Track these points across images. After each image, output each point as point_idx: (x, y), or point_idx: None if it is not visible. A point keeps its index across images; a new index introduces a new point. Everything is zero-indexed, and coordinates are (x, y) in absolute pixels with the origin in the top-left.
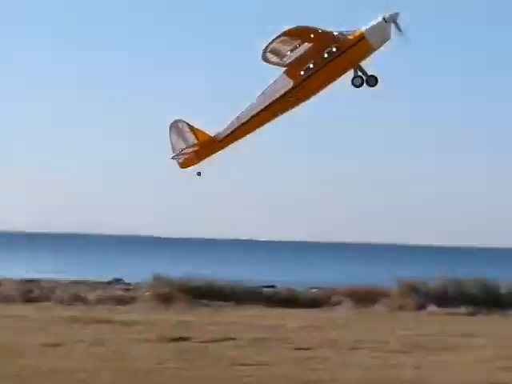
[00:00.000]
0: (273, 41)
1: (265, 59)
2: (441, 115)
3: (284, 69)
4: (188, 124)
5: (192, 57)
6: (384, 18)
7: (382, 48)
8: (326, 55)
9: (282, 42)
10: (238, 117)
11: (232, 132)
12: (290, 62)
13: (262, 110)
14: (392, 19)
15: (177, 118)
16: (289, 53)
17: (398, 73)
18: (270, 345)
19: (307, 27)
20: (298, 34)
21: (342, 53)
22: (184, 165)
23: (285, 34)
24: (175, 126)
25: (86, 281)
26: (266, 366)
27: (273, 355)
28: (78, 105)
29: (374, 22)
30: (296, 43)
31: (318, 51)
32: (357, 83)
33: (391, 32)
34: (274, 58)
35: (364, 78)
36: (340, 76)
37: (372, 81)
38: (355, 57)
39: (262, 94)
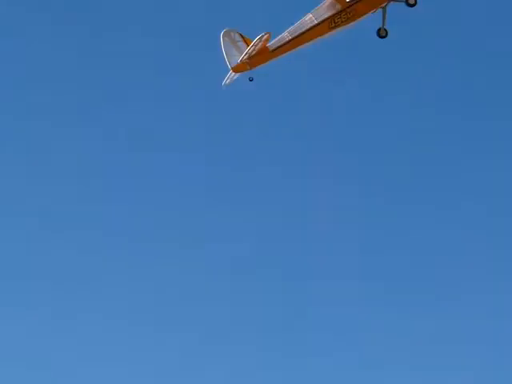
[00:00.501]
0: None
1: None
2: None
3: None
4: (239, 33)
5: None
6: None
7: None
8: None
9: None
10: (289, 31)
11: (283, 45)
12: None
13: (312, 27)
14: None
15: (227, 28)
16: None
17: None
18: None
19: None
20: None
21: None
22: (236, 69)
23: None
24: (227, 36)
25: None
26: None
27: None
28: None
29: None
30: None
31: None
32: (382, 34)
33: None
34: None
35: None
36: (377, 6)
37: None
38: None
39: (314, 12)
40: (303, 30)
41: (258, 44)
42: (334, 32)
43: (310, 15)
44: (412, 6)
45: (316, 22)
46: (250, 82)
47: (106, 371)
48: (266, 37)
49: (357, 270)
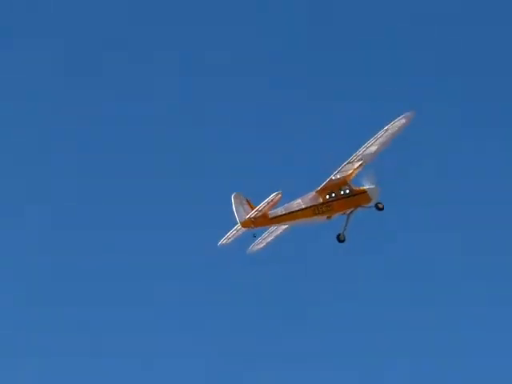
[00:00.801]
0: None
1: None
2: None
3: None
4: (246, 198)
5: None
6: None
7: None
8: (341, 192)
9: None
10: (283, 207)
11: (278, 217)
12: (321, 188)
13: (298, 210)
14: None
15: (237, 192)
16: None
17: None
18: None
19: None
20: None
21: (351, 195)
22: (243, 224)
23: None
24: (237, 198)
25: None
26: None
27: None
28: None
29: (373, 186)
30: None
31: (338, 188)
32: (341, 239)
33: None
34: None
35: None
36: (347, 208)
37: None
38: (358, 200)
39: (302, 198)
40: (293, 209)
41: (270, 202)
42: (318, 218)
43: (299, 200)
44: (381, 209)
45: (303, 206)
46: (253, 237)
47: None
48: (278, 197)
49: None
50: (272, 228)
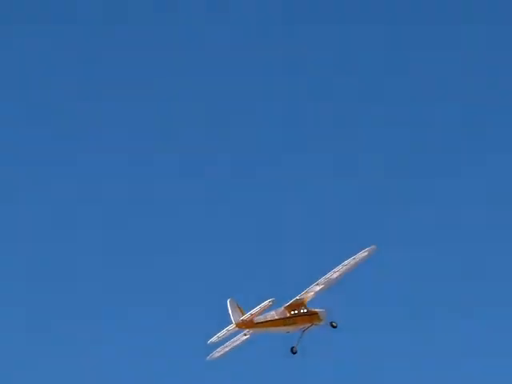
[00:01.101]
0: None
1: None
2: None
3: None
4: (238, 304)
5: None
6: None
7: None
8: (301, 310)
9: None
10: (263, 315)
11: (259, 323)
12: (288, 305)
13: (273, 320)
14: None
15: (231, 298)
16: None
17: None
18: None
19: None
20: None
21: (308, 314)
22: (238, 325)
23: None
24: (231, 303)
25: None
26: None
27: None
28: None
29: (322, 310)
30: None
31: (299, 306)
32: (293, 351)
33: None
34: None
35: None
36: (305, 324)
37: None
38: (312, 319)
39: (275, 311)
40: (269, 319)
41: (262, 307)
42: (285, 328)
43: (273, 312)
44: (335, 327)
45: (276, 317)
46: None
47: None
48: (269, 304)
49: None
50: (234, 338)
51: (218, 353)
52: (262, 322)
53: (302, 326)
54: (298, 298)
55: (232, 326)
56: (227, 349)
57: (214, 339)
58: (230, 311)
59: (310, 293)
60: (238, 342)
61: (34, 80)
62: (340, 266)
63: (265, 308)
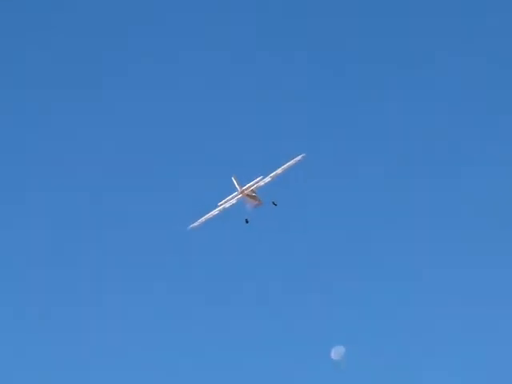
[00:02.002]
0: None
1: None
2: None
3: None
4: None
5: None
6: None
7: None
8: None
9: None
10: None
11: (248, 195)
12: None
13: (248, 195)
14: None
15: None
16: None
17: None
18: None
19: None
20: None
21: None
22: (241, 193)
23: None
24: (235, 178)
25: None
26: None
27: None
28: None
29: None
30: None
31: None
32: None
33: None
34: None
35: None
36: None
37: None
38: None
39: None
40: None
41: (255, 182)
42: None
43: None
44: (275, 205)
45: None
46: (246, 223)
47: None
48: (260, 179)
49: None
50: (208, 215)
51: (197, 223)
52: (247, 195)
53: (254, 203)
54: (255, 185)
55: (237, 193)
56: (209, 217)
57: (223, 203)
58: (235, 183)
59: (260, 183)
60: (216, 212)
61: None
62: (280, 169)
63: (256, 183)
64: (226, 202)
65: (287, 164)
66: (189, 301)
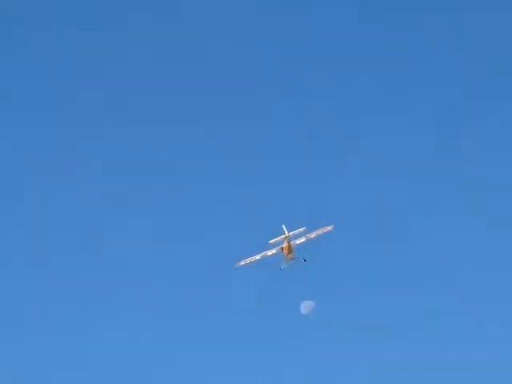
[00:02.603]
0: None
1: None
2: None
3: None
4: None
5: None
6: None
7: None
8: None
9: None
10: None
11: (287, 249)
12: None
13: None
14: None
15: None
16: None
17: None
18: None
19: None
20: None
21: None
22: (286, 245)
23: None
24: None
25: None
26: None
27: None
28: None
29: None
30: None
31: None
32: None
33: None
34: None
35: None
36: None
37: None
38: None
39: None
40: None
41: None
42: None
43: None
44: (305, 261)
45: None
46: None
47: None
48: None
49: None
50: (256, 256)
51: (244, 262)
52: (288, 244)
53: (289, 257)
54: (291, 242)
55: (283, 237)
56: (253, 260)
57: (272, 242)
58: (284, 229)
59: (296, 241)
60: (258, 257)
61: None
62: (313, 234)
63: (299, 232)
64: (271, 248)
65: (318, 231)
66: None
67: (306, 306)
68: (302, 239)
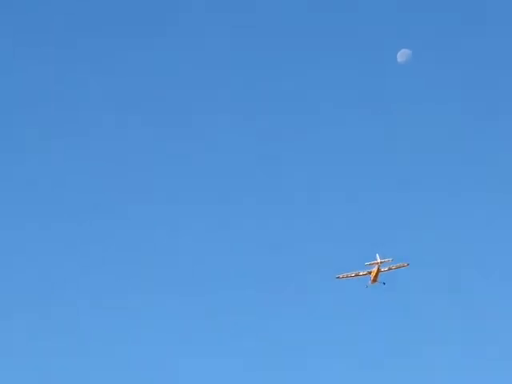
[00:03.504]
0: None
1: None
2: None
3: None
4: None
5: None
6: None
7: None
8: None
9: None
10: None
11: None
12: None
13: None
14: None
15: None
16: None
17: None
18: None
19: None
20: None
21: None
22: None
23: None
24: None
25: None
26: None
27: None
28: None
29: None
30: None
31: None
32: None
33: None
34: None
35: None
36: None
37: None
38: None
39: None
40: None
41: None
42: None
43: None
44: (384, 284)
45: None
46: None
47: None
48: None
49: None
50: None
51: (343, 276)
52: (378, 269)
53: (374, 279)
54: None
55: (376, 262)
56: (347, 275)
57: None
58: (377, 257)
59: (382, 269)
60: (353, 275)
61: None
62: (394, 266)
63: (387, 261)
64: (363, 270)
65: (399, 265)
66: None
67: None
68: (386, 268)
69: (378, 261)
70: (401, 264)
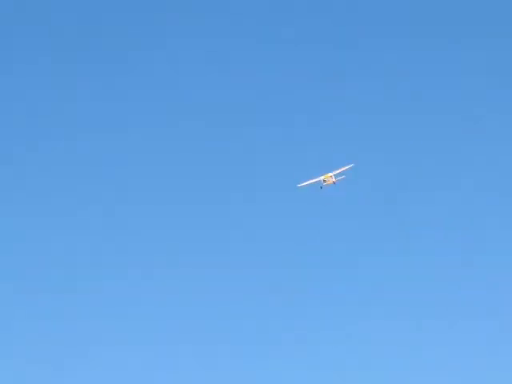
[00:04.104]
0: None
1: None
2: None
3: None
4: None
5: None
6: None
7: None
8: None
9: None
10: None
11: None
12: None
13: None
14: None
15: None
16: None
17: None
18: None
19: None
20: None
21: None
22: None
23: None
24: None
25: None
26: None
27: None
28: None
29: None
30: None
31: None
32: None
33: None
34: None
35: None
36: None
37: None
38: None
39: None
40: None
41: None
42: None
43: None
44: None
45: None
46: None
47: None
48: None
49: None
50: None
51: (305, 183)
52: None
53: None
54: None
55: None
56: (310, 182)
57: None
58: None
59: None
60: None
61: None
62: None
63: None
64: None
65: (342, 168)
66: None
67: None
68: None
69: (333, 172)
70: (344, 167)
